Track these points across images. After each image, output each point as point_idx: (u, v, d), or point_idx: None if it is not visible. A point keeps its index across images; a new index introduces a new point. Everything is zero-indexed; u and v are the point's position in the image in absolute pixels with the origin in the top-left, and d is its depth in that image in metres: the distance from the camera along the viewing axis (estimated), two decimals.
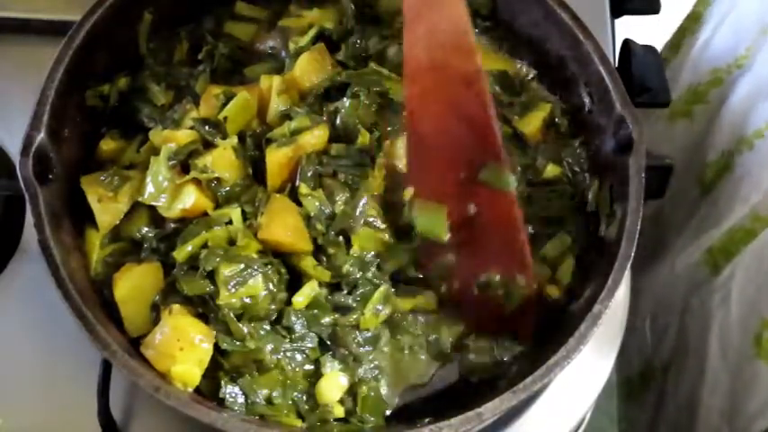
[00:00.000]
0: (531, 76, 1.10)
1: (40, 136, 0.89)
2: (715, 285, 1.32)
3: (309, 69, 1.02)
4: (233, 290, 0.89)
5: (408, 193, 0.96)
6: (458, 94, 0.90)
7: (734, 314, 1.28)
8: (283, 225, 0.93)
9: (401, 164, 0.99)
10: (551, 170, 1.04)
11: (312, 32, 1.06)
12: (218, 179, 0.95)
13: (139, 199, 0.95)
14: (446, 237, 0.94)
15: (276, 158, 0.96)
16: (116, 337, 0.87)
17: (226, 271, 0.89)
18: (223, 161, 0.95)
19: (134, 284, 0.92)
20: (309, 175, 0.96)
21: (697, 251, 1.39)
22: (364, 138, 0.98)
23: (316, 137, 0.98)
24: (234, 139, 0.97)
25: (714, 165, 1.41)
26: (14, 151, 0.98)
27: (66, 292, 0.86)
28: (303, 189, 0.95)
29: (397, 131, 1.00)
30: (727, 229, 1.32)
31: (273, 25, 1.10)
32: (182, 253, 0.91)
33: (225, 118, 0.99)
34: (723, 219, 1.34)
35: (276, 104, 1.00)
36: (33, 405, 1.00)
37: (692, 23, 1.56)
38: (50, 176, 0.90)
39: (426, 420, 0.87)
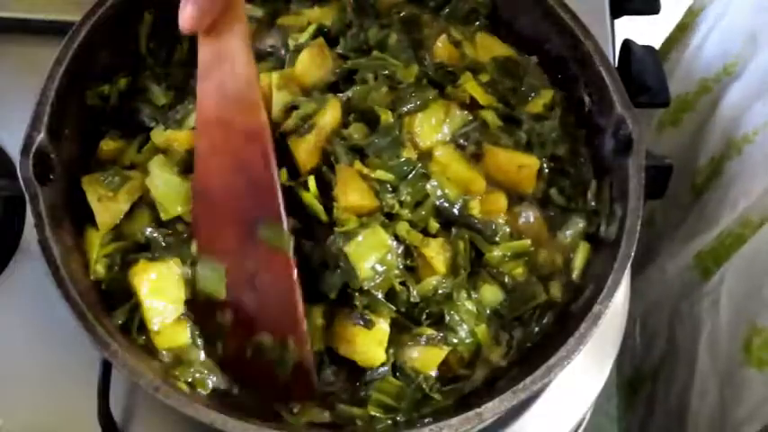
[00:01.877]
0: (533, 63, 1.09)
1: (40, 136, 0.89)
2: (705, 290, 1.32)
3: (311, 65, 1.02)
4: (370, 262, 0.90)
5: (193, 247, 0.95)
6: (241, 149, 0.91)
7: (723, 320, 1.28)
8: (358, 190, 0.95)
9: (423, 142, 1.00)
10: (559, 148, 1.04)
11: (311, 29, 1.06)
12: None
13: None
14: (223, 295, 0.93)
15: (303, 147, 0.96)
16: (116, 337, 0.87)
17: (357, 249, 0.90)
18: None
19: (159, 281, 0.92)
20: (344, 152, 0.97)
21: (687, 255, 1.39)
22: (387, 116, 0.99)
23: (330, 113, 0.98)
24: None
25: (704, 170, 1.42)
26: (14, 151, 0.98)
27: (66, 292, 0.86)
28: (357, 165, 0.96)
29: (414, 110, 1.01)
30: (717, 234, 1.32)
31: (272, 24, 1.10)
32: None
33: None
34: (713, 224, 1.35)
35: (279, 99, 1.00)
36: (33, 405, 1.00)
37: (681, 33, 1.57)
38: (50, 176, 0.90)
39: (426, 420, 0.87)
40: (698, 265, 1.36)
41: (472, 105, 1.04)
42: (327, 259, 0.93)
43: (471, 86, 1.05)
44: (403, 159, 0.97)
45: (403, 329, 0.94)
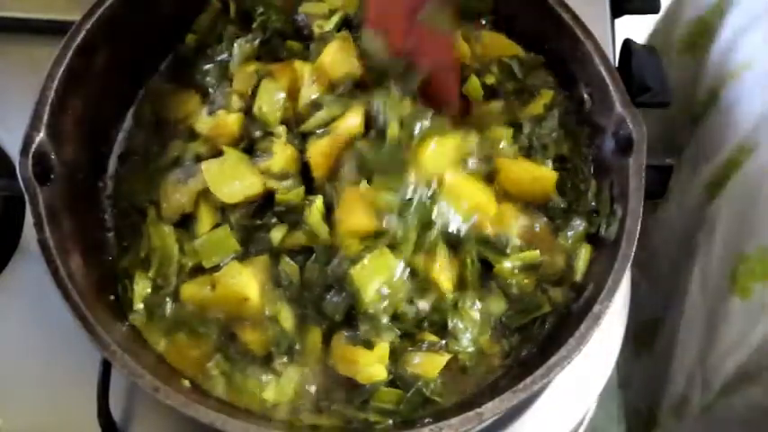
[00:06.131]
0: (540, 61, 1.09)
1: (40, 136, 0.89)
2: (704, 220, 1.29)
3: (337, 59, 1.02)
4: (376, 285, 0.90)
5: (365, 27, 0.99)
6: None
7: (716, 249, 1.25)
8: (361, 212, 0.93)
9: (434, 166, 0.97)
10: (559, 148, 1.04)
11: (336, 18, 1.06)
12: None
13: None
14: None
15: (317, 150, 0.97)
16: (116, 337, 0.87)
17: (362, 272, 0.90)
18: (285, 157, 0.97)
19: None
20: (355, 167, 0.96)
21: (698, 188, 1.35)
22: (393, 130, 0.97)
23: (351, 122, 0.98)
24: (283, 136, 0.97)
25: (702, 101, 1.38)
26: (14, 151, 0.98)
27: (66, 292, 0.86)
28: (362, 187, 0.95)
29: (431, 132, 0.99)
30: (723, 163, 1.29)
31: (295, 11, 1.10)
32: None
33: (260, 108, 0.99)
34: (717, 153, 1.31)
35: (306, 94, 1.00)
36: (33, 405, 1.00)
37: None
38: (50, 176, 0.90)
39: (426, 420, 0.87)
40: (706, 196, 1.33)
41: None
42: (331, 282, 0.92)
43: (473, 84, 1.05)
44: (410, 183, 0.95)
45: (404, 336, 0.93)
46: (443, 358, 0.92)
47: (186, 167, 0.99)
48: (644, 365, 1.46)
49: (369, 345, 0.90)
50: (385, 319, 0.91)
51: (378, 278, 0.90)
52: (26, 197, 0.88)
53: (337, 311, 0.92)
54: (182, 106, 1.06)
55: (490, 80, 1.06)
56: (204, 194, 0.97)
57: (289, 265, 0.95)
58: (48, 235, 0.87)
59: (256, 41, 1.05)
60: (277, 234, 0.96)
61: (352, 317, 0.92)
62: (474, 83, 1.05)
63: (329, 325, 0.93)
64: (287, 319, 0.93)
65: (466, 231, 0.97)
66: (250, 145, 0.99)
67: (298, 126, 1.00)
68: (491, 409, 0.84)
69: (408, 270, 0.93)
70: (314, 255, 0.95)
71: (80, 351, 0.94)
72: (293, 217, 0.96)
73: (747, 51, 1.28)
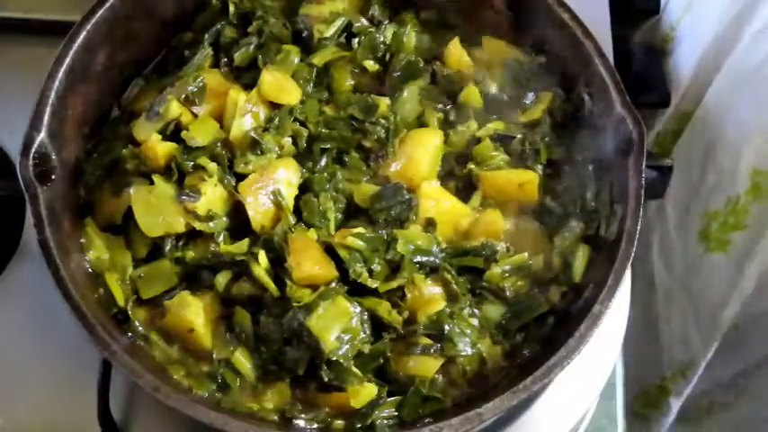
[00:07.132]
0: (540, 63, 1.09)
1: (40, 136, 0.89)
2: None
3: (278, 85, 1.00)
4: (335, 333, 0.87)
5: None
6: None
7: (671, 220, 1.25)
8: (313, 259, 0.91)
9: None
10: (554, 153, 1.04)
11: (338, 24, 1.05)
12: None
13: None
14: None
15: (248, 185, 0.94)
16: (116, 337, 0.87)
17: (319, 322, 0.87)
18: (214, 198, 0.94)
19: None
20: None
21: None
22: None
23: (286, 177, 0.95)
24: (215, 175, 0.94)
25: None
26: (14, 151, 0.98)
27: (66, 292, 0.86)
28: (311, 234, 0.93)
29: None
30: (655, 135, 1.30)
31: (295, 12, 1.09)
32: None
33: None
34: (655, 125, 1.33)
35: (240, 124, 0.97)
36: (33, 405, 1.00)
37: None
38: (51, 177, 0.90)
39: (426, 420, 0.87)
40: None
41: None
42: (288, 335, 0.89)
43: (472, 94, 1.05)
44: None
45: (397, 339, 0.92)
46: (438, 362, 0.91)
47: (124, 177, 0.96)
48: (639, 347, 1.46)
49: (340, 389, 0.89)
50: (351, 363, 0.88)
51: (336, 326, 0.88)
52: (26, 197, 0.88)
53: (298, 365, 0.89)
54: (143, 101, 1.04)
55: (491, 86, 1.06)
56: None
57: (241, 314, 0.92)
58: (48, 235, 0.87)
59: (251, 47, 1.04)
60: (221, 279, 0.93)
61: (317, 368, 0.89)
62: (473, 92, 1.05)
63: (293, 377, 0.91)
64: (246, 367, 0.91)
65: (440, 255, 0.95)
66: (181, 175, 0.95)
67: (231, 159, 0.97)
68: (491, 409, 0.84)
69: (367, 314, 0.91)
70: (265, 308, 0.92)
71: (80, 351, 0.94)
72: (237, 267, 0.93)
73: (667, 24, 1.29)
